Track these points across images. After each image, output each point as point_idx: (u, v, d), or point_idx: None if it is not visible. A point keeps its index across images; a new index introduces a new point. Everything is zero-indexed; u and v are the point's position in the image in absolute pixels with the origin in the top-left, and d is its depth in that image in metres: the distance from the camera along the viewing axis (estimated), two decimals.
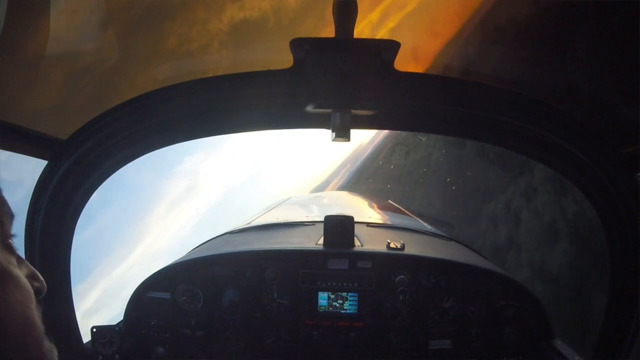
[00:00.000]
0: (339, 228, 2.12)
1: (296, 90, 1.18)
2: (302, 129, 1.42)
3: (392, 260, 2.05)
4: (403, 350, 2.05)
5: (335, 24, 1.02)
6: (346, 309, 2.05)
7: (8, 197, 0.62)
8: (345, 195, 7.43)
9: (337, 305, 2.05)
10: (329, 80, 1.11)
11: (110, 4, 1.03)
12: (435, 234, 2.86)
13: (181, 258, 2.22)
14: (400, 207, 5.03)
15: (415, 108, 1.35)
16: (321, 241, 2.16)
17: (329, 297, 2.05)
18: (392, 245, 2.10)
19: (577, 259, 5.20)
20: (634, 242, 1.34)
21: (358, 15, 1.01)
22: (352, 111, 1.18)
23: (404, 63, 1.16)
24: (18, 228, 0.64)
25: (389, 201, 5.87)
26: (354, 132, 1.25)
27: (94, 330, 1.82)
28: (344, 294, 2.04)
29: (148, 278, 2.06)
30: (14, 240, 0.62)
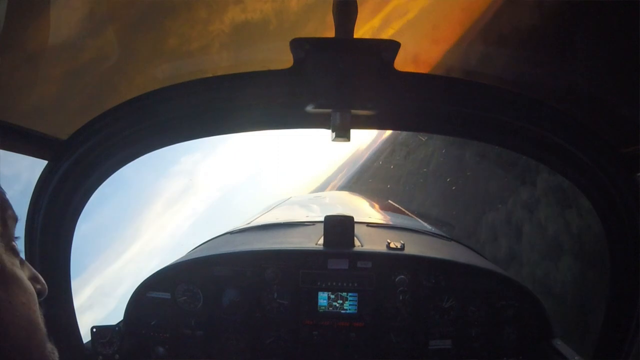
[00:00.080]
0: (339, 228, 2.12)
1: (296, 90, 1.18)
2: (302, 129, 1.42)
3: (392, 260, 2.05)
4: (403, 350, 2.05)
5: (335, 24, 1.02)
6: (346, 309, 2.05)
7: (8, 197, 0.62)
8: (345, 195, 7.43)
9: (337, 305, 2.05)
10: (329, 80, 1.11)
11: (111, 3, 1.03)
12: (435, 234, 2.86)
13: (181, 258, 2.22)
14: (400, 207, 5.03)
15: (415, 108, 1.35)
16: (321, 241, 2.16)
17: (329, 297, 2.05)
18: (392, 245, 2.10)
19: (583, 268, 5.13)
20: (634, 242, 1.34)
21: (359, 21, 1.01)
22: (352, 111, 1.18)
23: (404, 63, 1.16)
24: (18, 228, 0.64)
25: (389, 201, 5.88)
26: (354, 132, 1.25)
27: (94, 330, 1.82)
28: (344, 294, 2.04)
29: (148, 278, 2.06)
30: (17, 242, 0.62)
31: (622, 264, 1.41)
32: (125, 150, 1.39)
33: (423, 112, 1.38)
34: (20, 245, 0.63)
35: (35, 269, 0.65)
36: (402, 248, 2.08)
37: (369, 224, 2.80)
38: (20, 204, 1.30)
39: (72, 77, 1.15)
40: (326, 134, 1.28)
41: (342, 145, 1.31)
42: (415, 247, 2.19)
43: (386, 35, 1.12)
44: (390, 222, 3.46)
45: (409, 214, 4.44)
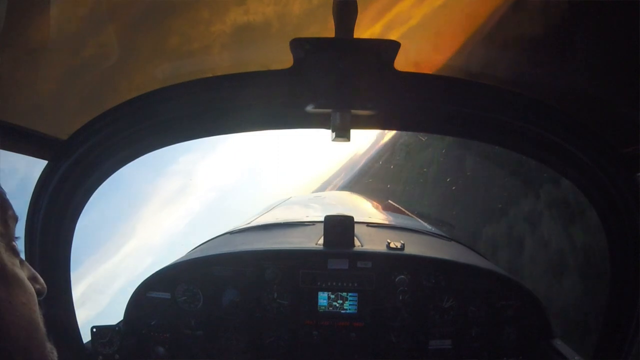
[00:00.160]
0: (339, 228, 2.12)
1: (296, 90, 1.18)
2: (302, 129, 1.42)
3: (392, 260, 2.05)
4: (403, 350, 2.05)
5: (335, 24, 1.02)
6: (346, 309, 2.05)
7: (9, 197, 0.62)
8: (345, 195, 7.43)
9: (337, 305, 2.05)
10: (329, 80, 1.11)
11: (112, 2, 1.03)
12: (435, 234, 2.86)
13: (181, 258, 2.22)
14: (400, 207, 5.03)
15: (415, 108, 1.35)
16: (321, 241, 2.16)
17: (329, 297, 2.05)
18: (392, 245, 2.10)
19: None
20: (634, 242, 1.34)
21: (360, 26, 1.01)
22: (352, 111, 1.18)
23: (404, 63, 1.16)
24: (18, 228, 0.64)
25: (389, 201, 5.87)
26: (354, 132, 1.25)
27: (94, 330, 1.82)
28: (344, 294, 2.04)
29: (148, 278, 2.06)
30: (17, 242, 0.62)
31: (622, 264, 1.41)
32: (125, 150, 1.39)
33: (423, 112, 1.38)
34: (20, 245, 0.63)
35: (35, 269, 0.65)
36: (402, 248, 2.08)
37: (369, 224, 2.80)
38: (20, 204, 1.30)
39: (72, 77, 1.15)
40: (326, 134, 1.28)
41: (342, 145, 1.31)
42: (415, 247, 2.19)
43: (386, 31, 1.12)
44: (390, 222, 3.46)
45: (409, 214, 4.44)
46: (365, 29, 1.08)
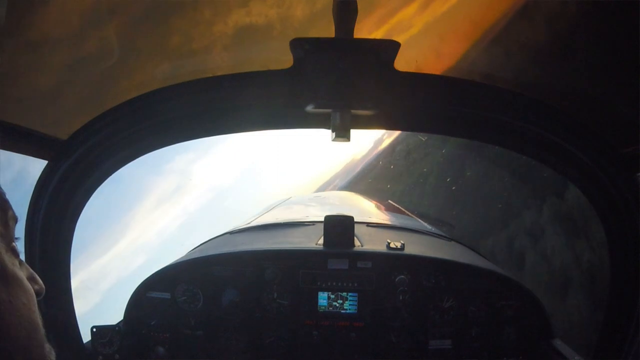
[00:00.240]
0: (339, 228, 2.12)
1: (296, 90, 1.18)
2: (302, 129, 1.42)
3: (392, 260, 2.05)
4: (403, 350, 2.05)
5: (335, 24, 1.02)
6: (346, 309, 2.05)
7: (8, 197, 0.62)
8: (345, 195, 7.43)
9: (337, 305, 2.05)
10: (329, 80, 1.11)
11: (113, 0, 1.03)
12: (435, 234, 2.86)
13: (181, 258, 2.22)
14: (400, 207, 5.03)
15: (415, 108, 1.35)
16: (321, 241, 2.16)
17: (329, 297, 2.05)
18: (392, 245, 2.10)
19: None
20: (634, 242, 1.34)
21: (360, 29, 1.01)
22: (352, 111, 1.18)
23: (404, 63, 1.16)
24: (18, 229, 0.64)
25: (389, 201, 5.88)
26: (354, 132, 1.25)
27: (94, 330, 1.82)
28: (344, 294, 2.04)
29: (148, 278, 2.06)
30: (17, 242, 0.62)
31: (622, 264, 1.41)
32: (125, 150, 1.39)
33: (423, 112, 1.38)
34: (19, 245, 0.63)
35: (35, 269, 0.65)
36: (402, 248, 2.08)
37: (369, 224, 2.80)
38: (20, 204, 1.30)
39: (73, 77, 1.15)
40: (326, 134, 1.28)
41: (342, 145, 1.31)
42: (415, 247, 2.19)
43: (385, 31, 1.12)
44: (390, 222, 3.46)
45: (409, 214, 4.44)
46: (367, 34, 1.08)
